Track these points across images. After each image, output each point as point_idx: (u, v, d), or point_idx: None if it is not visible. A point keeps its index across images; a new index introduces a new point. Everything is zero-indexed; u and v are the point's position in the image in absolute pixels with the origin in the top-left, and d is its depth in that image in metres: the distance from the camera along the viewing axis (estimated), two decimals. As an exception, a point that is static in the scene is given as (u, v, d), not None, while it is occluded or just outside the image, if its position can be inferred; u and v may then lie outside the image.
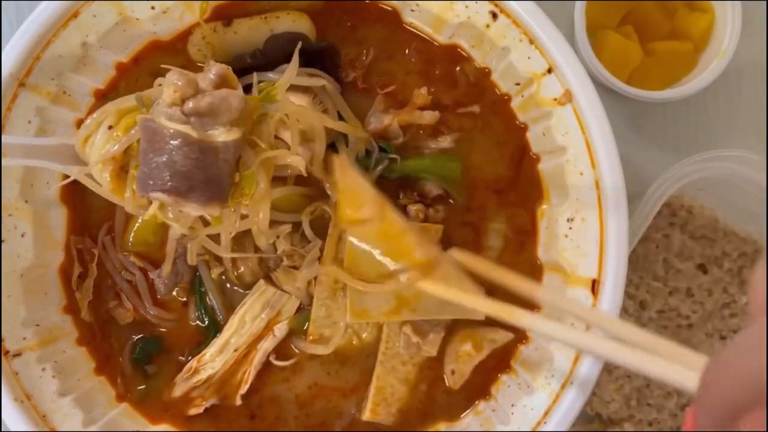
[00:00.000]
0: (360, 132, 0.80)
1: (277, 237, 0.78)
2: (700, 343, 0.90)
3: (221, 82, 0.69)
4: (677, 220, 0.91)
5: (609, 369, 0.88)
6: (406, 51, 0.83)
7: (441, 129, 0.83)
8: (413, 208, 0.81)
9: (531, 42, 0.77)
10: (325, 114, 0.78)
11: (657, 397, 0.89)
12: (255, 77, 0.75)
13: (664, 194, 0.81)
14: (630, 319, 0.89)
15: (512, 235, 0.83)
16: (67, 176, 0.74)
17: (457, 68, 0.83)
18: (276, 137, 0.75)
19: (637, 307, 0.90)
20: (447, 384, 0.82)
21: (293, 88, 0.75)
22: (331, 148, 0.79)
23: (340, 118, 0.80)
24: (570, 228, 0.79)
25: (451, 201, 0.83)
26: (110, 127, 0.70)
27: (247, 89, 0.75)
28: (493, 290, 0.70)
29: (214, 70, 0.69)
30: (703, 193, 0.90)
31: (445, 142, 0.82)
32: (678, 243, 0.90)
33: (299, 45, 0.74)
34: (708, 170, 0.82)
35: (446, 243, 0.81)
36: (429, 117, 0.81)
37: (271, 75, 0.77)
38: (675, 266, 0.90)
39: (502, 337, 0.81)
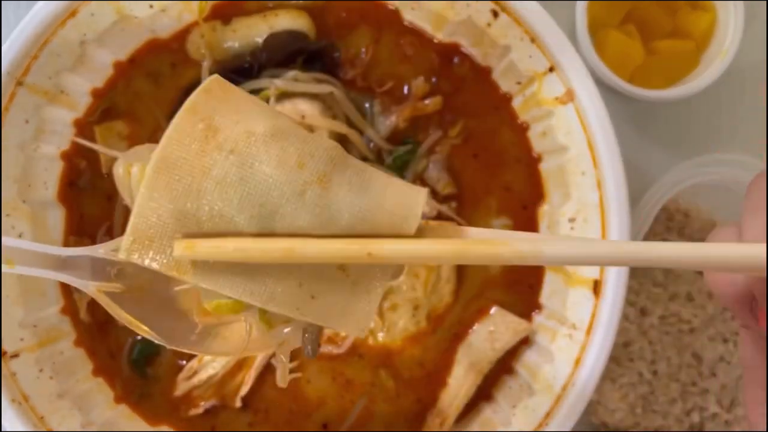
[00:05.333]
0: (373, 135, 0.80)
1: None
2: (703, 348, 0.89)
3: None
4: (674, 225, 0.90)
5: (612, 377, 0.87)
6: (406, 49, 0.82)
7: (447, 116, 0.82)
8: (425, 209, 0.80)
9: (532, 41, 0.76)
10: (335, 120, 0.78)
11: (662, 403, 0.88)
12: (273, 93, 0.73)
13: (660, 200, 0.81)
14: (631, 326, 0.88)
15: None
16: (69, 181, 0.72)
17: (457, 67, 0.83)
18: None
19: (638, 314, 0.89)
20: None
21: (302, 95, 0.76)
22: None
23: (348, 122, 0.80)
24: (572, 228, 0.78)
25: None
26: None
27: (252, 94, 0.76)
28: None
29: None
30: (699, 197, 0.90)
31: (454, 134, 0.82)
32: (676, 247, 0.90)
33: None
34: (705, 175, 0.82)
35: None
36: (432, 104, 0.81)
37: (278, 82, 0.77)
38: (674, 270, 0.90)
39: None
